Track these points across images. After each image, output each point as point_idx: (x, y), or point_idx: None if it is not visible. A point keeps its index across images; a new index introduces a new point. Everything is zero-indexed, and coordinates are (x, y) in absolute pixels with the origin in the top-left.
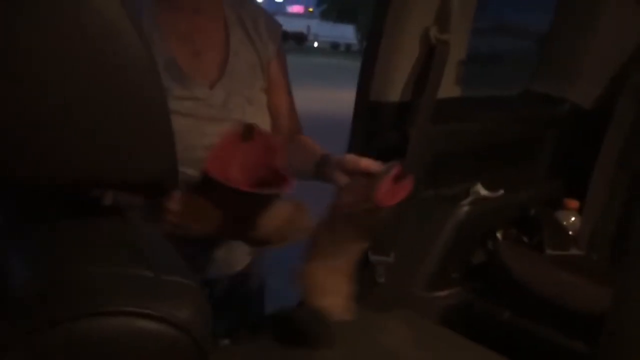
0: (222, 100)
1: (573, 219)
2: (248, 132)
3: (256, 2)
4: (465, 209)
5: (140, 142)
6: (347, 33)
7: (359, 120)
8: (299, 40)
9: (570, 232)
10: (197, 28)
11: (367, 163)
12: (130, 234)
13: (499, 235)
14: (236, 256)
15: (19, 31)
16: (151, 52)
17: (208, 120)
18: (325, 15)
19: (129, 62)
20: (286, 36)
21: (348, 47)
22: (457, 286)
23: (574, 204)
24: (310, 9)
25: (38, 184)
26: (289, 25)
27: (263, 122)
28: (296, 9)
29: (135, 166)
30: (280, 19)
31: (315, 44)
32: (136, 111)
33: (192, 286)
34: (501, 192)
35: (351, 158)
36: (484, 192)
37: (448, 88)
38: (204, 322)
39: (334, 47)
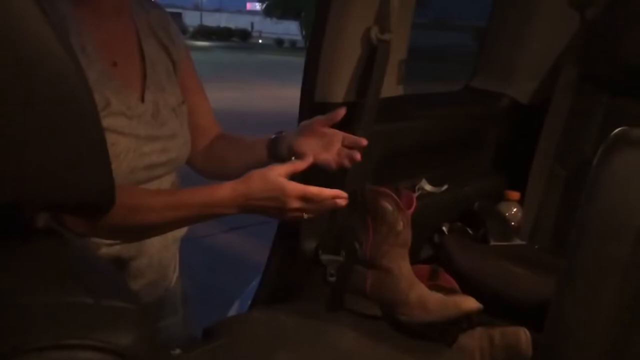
0: (151, 112)
1: (514, 210)
2: (435, 273)
3: (159, 4)
4: None
5: (74, 159)
6: (291, 29)
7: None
8: (243, 36)
9: (513, 223)
10: (112, 37)
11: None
12: (67, 257)
13: (445, 229)
14: (165, 275)
15: None
16: (79, 63)
17: (146, 138)
18: (268, 12)
19: (58, 76)
20: (231, 33)
21: (293, 43)
22: None
23: (515, 195)
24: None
25: None
26: (232, 22)
27: (187, 134)
28: (251, 6)
29: (69, 185)
30: (225, 17)
31: (260, 41)
32: (68, 127)
33: (133, 309)
34: (445, 187)
35: (309, 123)
36: (428, 187)
37: (391, 87)
38: (148, 344)
39: (278, 44)
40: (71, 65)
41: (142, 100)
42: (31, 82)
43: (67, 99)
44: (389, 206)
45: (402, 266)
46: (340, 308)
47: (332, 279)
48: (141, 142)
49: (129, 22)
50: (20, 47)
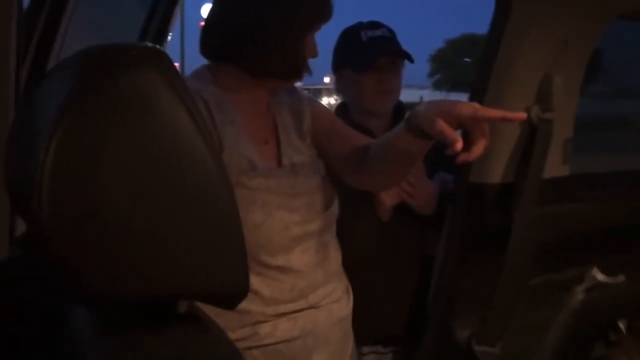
0: (292, 173)
1: None
2: None
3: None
4: (581, 296)
5: (213, 255)
6: None
7: (458, 202)
8: None
9: None
10: (257, 118)
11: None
12: (202, 343)
13: (621, 325)
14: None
15: (101, 147)
16: (222, 163)
17: (293, 195)
18: (437, 86)
19: (201, 176)
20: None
21: None
22: None
23: None
24: None
25: (114, 298)
26: (403, 97)
27: (329, 187)
28: None
29: (208, 279)
30: None
31: None
32: (211, 226)
33: None
34: (622, 277)
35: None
36: (601, 277)
37: (555, 167)
38: None
39: None
40: (217, 173)
41: (280, 164)
42: (183, 187)
43: (209, 202)
44: None
45: None
46: None
47: None
48: (289, 198)
49: (264, 106)
50: (174, 156)
